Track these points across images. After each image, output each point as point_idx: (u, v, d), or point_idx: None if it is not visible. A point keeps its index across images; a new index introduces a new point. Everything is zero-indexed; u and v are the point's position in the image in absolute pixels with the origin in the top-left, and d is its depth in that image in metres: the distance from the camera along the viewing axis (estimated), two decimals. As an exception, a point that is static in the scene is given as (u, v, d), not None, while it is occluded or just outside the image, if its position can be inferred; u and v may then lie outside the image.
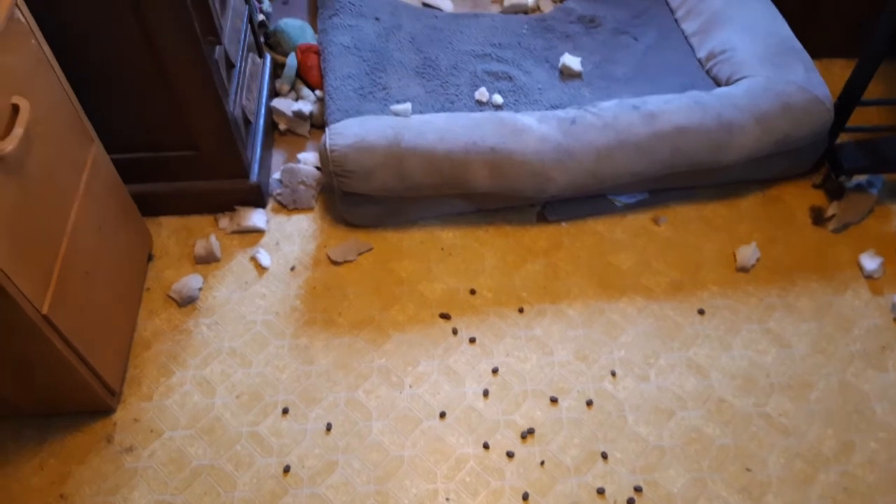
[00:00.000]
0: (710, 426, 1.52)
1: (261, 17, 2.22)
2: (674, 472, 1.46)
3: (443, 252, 1.81)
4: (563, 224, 1.87)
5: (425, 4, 2.33)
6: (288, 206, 1.89)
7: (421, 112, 1.86)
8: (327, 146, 1.72)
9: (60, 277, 1.30)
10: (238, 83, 1.77)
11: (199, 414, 1.53)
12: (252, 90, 1.88)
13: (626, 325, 1.67)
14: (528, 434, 1.50)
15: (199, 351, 1.62)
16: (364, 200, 1.79)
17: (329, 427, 1.51)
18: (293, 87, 2.12)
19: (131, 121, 1.65)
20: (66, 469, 1.45)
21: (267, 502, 1.42)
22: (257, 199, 1.85)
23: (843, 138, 1.94)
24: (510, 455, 1.48)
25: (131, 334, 1.63)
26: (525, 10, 2.34)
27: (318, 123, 2.07)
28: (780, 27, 1.99)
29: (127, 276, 1.62)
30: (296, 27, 2.18)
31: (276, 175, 1.93)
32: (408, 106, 1.82)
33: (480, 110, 1.91)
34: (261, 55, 2.05)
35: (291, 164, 1.92)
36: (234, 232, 1.83)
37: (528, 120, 1.79)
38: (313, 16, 2.33)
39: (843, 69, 2.20)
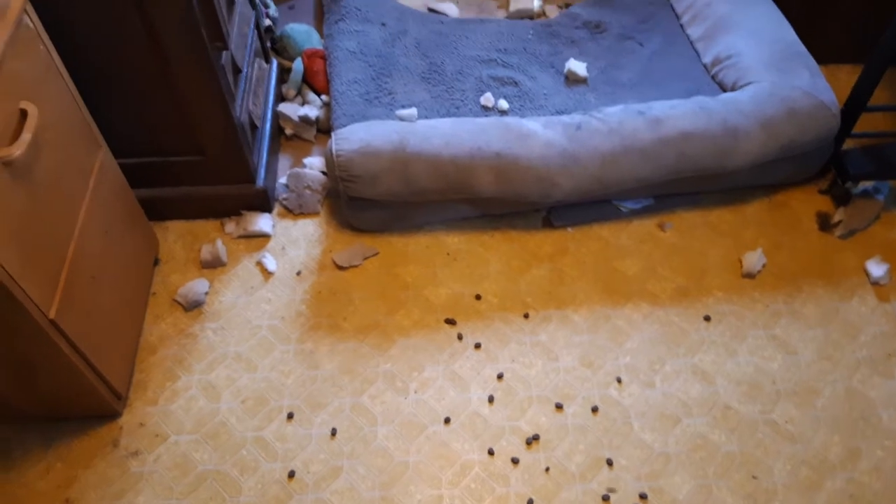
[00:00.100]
0: (715, 433, 1.52)
1: (267, 22, 2.22)
2: (679, 479, 1.46)
3: (448, 257, 1.81)
4: (569, 229, 1.87)
5: (431, 10, 2.33)
6: (294, 211, 1.89)
7: (426, 117, 1.87)
8: (333, 151, 1.72)
9: (67, 282, 1.31)
10: (244, 88, 1.77)
11: (204, 419, 1.53)
12: (258, 95, 1.88)
13: (631, 332, 1.67)
14: (533, 440, 1.50)
15: (205, 355, 1.62)
16: (370, 205, 1.79)
17: (334, 432, 1.51)
18: (299, 92, 2.13)
19: (138, 126, 1.65)
20: (72, 473, 1.46)
21: (272, 507, 1.42)
22: (263, 203, 1.85)
23: (849, 144, 1.94)
24: (515, 461, 1.47)
25: (137, 339, 1.63)
26: (531, 16, 2.35)
27: (324, 128, 2.08)
28: (786, 32, 1.99)
29: (133, 280, 1.62)
30: (302, 32, 2.18)
31: (283, 180, 1.94)
32: (413, 111, 1.83)
33: (486, 115, 1.91)
34: (267, 60, 2.06)
35: (297, 169, 1.92)
36: (240, 236, 1.83)
37: (534, 125, 1.79)
38: (319, 21, 2.34)
39: (849, 75, 2.20)
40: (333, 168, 1.73)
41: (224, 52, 1.61)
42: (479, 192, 1.77)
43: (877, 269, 1.77)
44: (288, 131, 2.06)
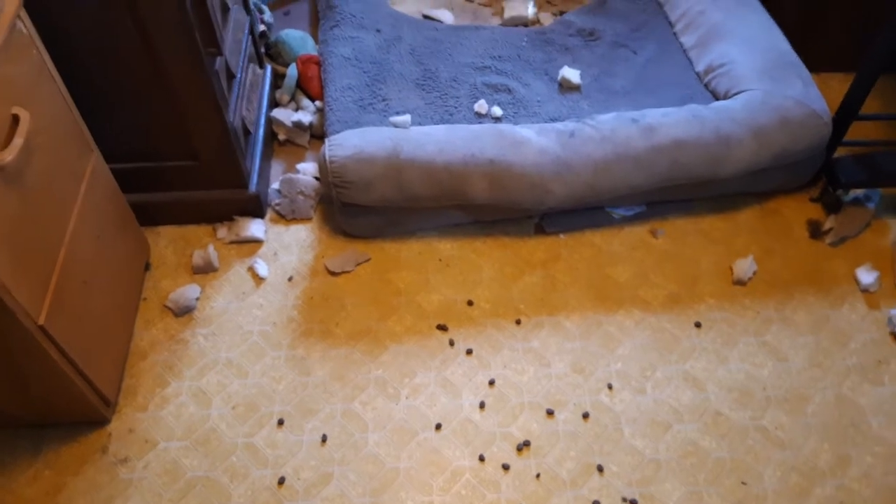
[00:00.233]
0: (706, 439, 1.52)
1: (262, 27, 2.23)
2: (670, 485, 1.46)
3: (441, 263, 1.81)
4: (561, 236, 1.87)
5: (426, 17, 2.34)
6: (286, 217, 1.89)
7: (420, 124, 1.87)
8: (327, 157, 1.73)
9: (58, 287, 1.30)
10: (238, 93, 1.77)
11: (194, 425, 1.53)
12: (252, 100, 1.89)
13: (623, 338, 1.68)
14: (524, 446, 1.50)
15: (196, 361, 1.62)
16: (363, 211, 1.79)
17: (325, 438, 1.51)
18: (293, 98, 2.13)
19: (131, 130, 1.65)
20: (60, 480, 1.45)
21: (262, 514, 1.41)
22: (256, 209, 1.85)
23: (840, 152, 1.95)
24: (506, 468, 1.47)
25: (128, 344, 1.63)
26: (525, 23, 2.36)
27: (317, 134, 2.08)
28: (779, 41, 2.00)
29: (124, 285, 1.62)
30: (297, 38, 2.19)
31: (275, 185, 1.94)
32: (407, 118, 1.83)
33: (480, 122, 1.91)
34: (261, 65, 2.06)
35: (290, 175, 1.92)
36: (232, 242, 1.83)
37: (527, 132, 1.80)
38: (314, 27, 2.34)
39: (841, 83, 2.21)
40: (327, 174, 1.73)
41: (218, 58, 1.61)
42: (473, 199, 1.77)
43: (867, 276, 1.77)
44: (281, 137, 2.06)
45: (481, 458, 1.48)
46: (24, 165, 1.22)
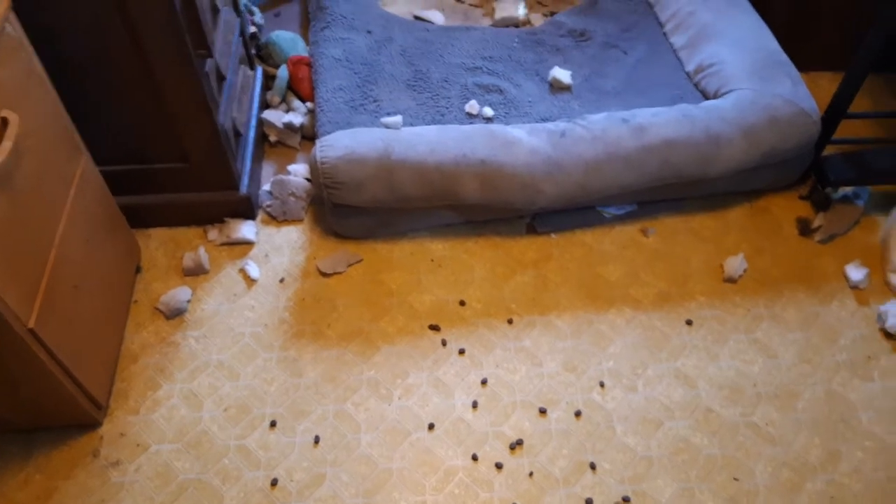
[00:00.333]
0: (697, 436, 1.53)
1: (252, 29, 2.23)
2: (662, 482, 1.46)
3: (432, 263, 1.81)
4: (553, 236, 1.88)
5: (417, 17, 2.34)
6: (278, 218, 1.89)
7: (412, 124, 1.87)
8: (318, 158, 1.73)
9: (47, 290, 1.30)
10: (229, 95, 1.77)
11: (186, 427, 1.52)
12: (243, 102, 1.88)
13: (614, 336, 1.68)
14: (516, 445, 1.50)
15: (187, 364, 1.62)
16: (354, 212, 1.79)
17: (317, 440, 1.51)
18: (284, 99, 2.13)
19: (121, 133, 1.65)
20: (51, 484, 1.44)
21: (255, 515, 1.41)
22: (247, 210, 1.85)
23: (829, 150, 1.96)
24: (499, 466, 1.48)
25: (118, 347, 1.62)
26: (516, 24, 2.36)
27: (308, 135, 2.08)
28: (768, 41, 2.02)
29: (115, 288, 1.62)
30: (287, 39, 2.19)
31: (266, 187, 1.94)
32: (399, 118, 1.83)
33: (471, 123, 1.92)
34: (252, 67, 2.06)
35: (281, 176, 1.92)
36: (223, 244, 1.83)
37: (519, 132, 1.80)
38: (305, 28, 2.34)
39: (830, 82, 2.23)
40: (318, 175, 1.73)
41: (208, 60, 1.61)
42: (464, 199, 1.77)
43: (856, 273, 1.79)
44: (272, 138, 2.06)
45: (474, 458, 1.49)
46: (13, 168, 1.22)
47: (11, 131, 1.18)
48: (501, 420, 1.54)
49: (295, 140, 2.06)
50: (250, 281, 1.76)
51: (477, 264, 1.81)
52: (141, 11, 1.41)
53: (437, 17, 2.35)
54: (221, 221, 1.86)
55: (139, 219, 1.81)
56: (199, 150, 1.70)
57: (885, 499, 1.45)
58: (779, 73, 1.91)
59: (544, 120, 1.94)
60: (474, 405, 1.56)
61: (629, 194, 1.87)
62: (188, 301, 1.71)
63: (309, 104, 2.10)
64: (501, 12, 2.36)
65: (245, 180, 1.83)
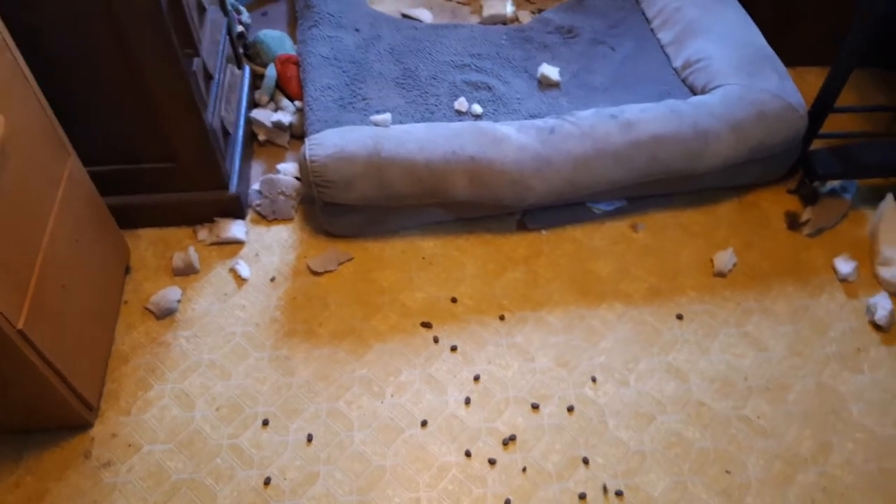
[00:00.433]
0: (689, 430, 1.53)
1: (240, 28, 2.22)
2: (654, 476, 1.47)
3: (424, 261, 1.81)
4: (543, 232, 1.88)
5: (405, 16, 2.34)
6: (267, 217, 1.88)
7: (401, 122, 1.87)
8: (307, 156, 1.72)
9: (36, 291, 1.29)
10: (217, 94, 1.76)
11: (178, 427, 1.51)
12: (231, 101, 1.88)
13: (605, 331, 1.69)
14: (509, 441, 1.50)
15: (178, 364, 1.61)
16: (344, 210, 1.79)
17: (310, 438, 1.50)
18: (272, 98, 2.12)
19: (108, 133, 1.64)
20: (43, 486, 1.43)
21: (248, 515, 1.41)
22: (236, 210, 1.84)
23: (816, 144, 1.97)
24: (492, 462, 1.48)
25: (109, 348, 1.61)
26: (504, 21, 2.37)
27: (297, 134, 2.07)
28: (754, 36, 2.03)
29: (104, 289, 1.61)
30: (275, 38, 2.18)
31: (256, 186, 1.93)
32: (388, 116, 1.83)
33: (460, 120, 1.92)
34: (240, 66, 2.05)
35: (271, 175, 1.92)
36: (213, 243, 1.82)
37: (508, 129, 1.80)
38: (292, 27, 2.34)
39: (817, 77, 2.24)
40: (307, 173, 1.73)
41: (195, 59, 1.60)
42: (454, 196, 1.77)
43: (845, 266, 1.80)
44: (261, 137, 2.05)
45: (467, 454, 1.49)
46: (-1, 168, 1.21)
47: (-3, 131, 1.17)
48: (494, 416, 1.55)
49: (284, 139, 2.06)
50: (241, 280, 1.76)
51: (468, 261, 1.81)
52: (127, 10, 1.40)
53: (424, 15, 2.35)
54: (211, 221, 1.85)
55: (128, 219, 1.80)
56: (187, 150, 1.69)
57: (876, 490, 1.46)
58: (766, 68, 1.93)
59: (533, 116, 1.94)
60: (467, 401, 1.56)
61: (618, 190, 1.87)
62: (178, 301, 1.70)
63: (297, 103, 2.10)
64: (489, 10, 2.36)
65: (234, 179, 1.82)
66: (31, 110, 1.34)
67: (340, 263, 1.79)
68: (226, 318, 1.69)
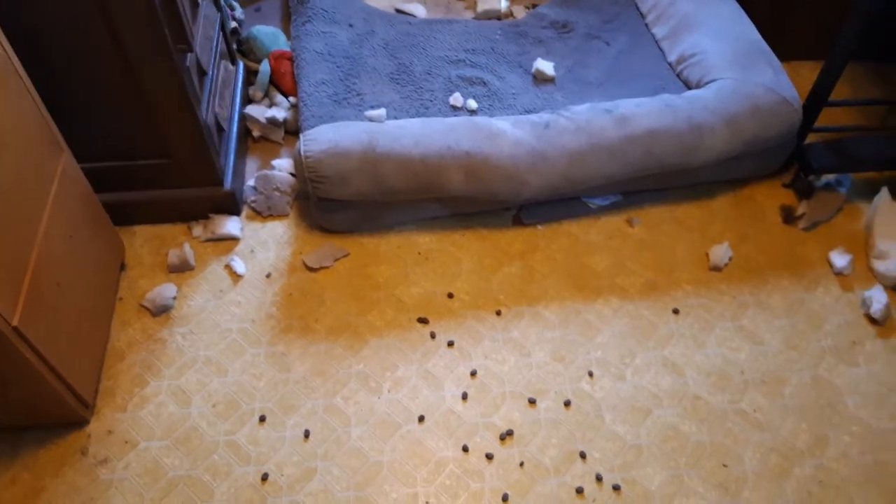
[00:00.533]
0: (686, 423, 1.54)
1: (233, 24, 2.21)
2: (651, 469, 1.47)
3: (420, 257, 1.81)
4: (539, 227, 1.88)
5: (399, 11, 2.34)
6: (262, 213, 1.88)
7: (396, 117, 1.87)
8: (302, 152, 1.72)
9: (31, 288, 1.28)
10: (210, 90, 1.76)
11: (174, 424, 1.51)
12: (225, 97, 1.87)
13: (602, 326, 1.69)
14: (506, 436, 1.50)
15: (174, 360, 1.60)
16: (339, 206, 1.78)
17: (307, 434, 1.50)
18: (267, 94, 2.11)
19: (102, 129, 1.63)
20: (39, 483, 1.43)
21: (245, 511, 1.41)
22: (231, 206, 1.83)
23: (811, 138, 1.98)
24: (489, 457, 1.48)
25: (104, 345, 1.61)
26: (498, 16, 2.36)
27: (292, 130, 2.07)
28: (749, 30, 2.03)
29: (99, 286, 1.60)
30: (268, 34, 2.17)
31: (251, 182, 1.92)
32: (382, 111, 1.82)
33: (455, 115, 1.92)
34: (233, 62, 2.04)
35: (266, 171, 1.91)
36: (208, 240, 1.81)
37: (503, 124, 1.80)
38: (286, 23, 2.33)
39: (811, 71, 2.24)
40: (302, 169, 1.72)
41: (189, 55, 1.59)
42: (450, 192, 1.77)
43: (840, 259, 1.80)
44: (255, 133, 2.04)
45: (465, 449, 1.49)
46: (-8, 164, 1.20)
47: (-10, 127, 1.16)
48: (491, 411, 1.55)
49: (278, 135, 2.05)
50: (236, 277, 1.75)
51: (464, 257, 1.81)
52: (121, 5, 1.40)
53: (418, 10, 2.34)
54: (206, 217, 1.84)
55: (123, 216, 1.79)
56: (181, 146, 1.68)
57: (872, 482, 1.47)
58: (760, 63, 1.93)
59: (528, 112, 1.94)
60: (464, 397, 1.56)
61: (614, 185, 1.87)
62: (174, 298, 1.70)
63: (292, 99, 2.09)
64: (483, 5, 2.35)
65: (229, 176, 1.82)
66: (22, 107, 1.33)
67: (336, 259, 1.79)
68: (221, 314, 1.68)
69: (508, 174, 1.75)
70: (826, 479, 1.47)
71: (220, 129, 1.81)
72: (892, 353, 1.66)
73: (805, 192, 1.94)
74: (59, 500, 1.41)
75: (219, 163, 1.77)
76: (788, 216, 1.92)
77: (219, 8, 1.90)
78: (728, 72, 1.91)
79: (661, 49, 2.14)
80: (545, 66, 2.05)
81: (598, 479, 1.45)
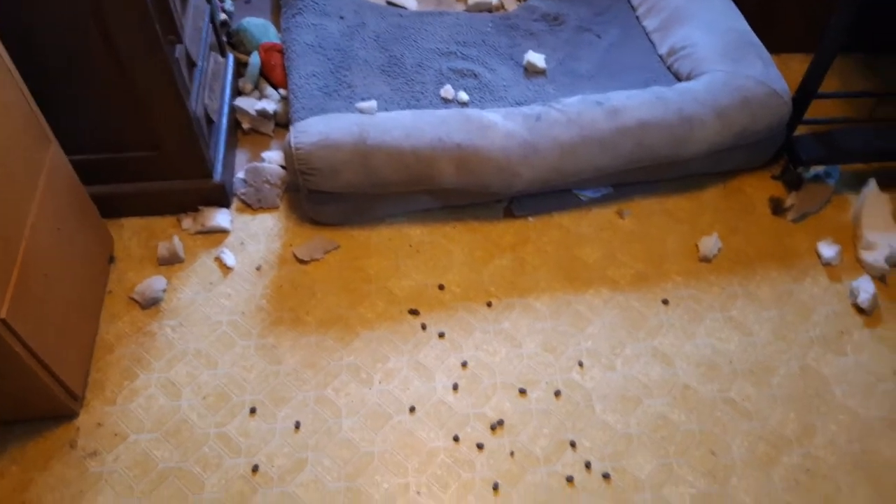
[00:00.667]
0: (675, 413, 1.54)
1: (223, 16, 2.20)
2: (641, 458, 1.48)
3: (411, 249, 1.81)
4: (530, 219, 1.88)
5: (389, 3, 2.33)
6: (252, 206, 1.87)
7: (386, 110, 1.86)
8: (292, 144, 1.71)
9: (19, 281, 1.27)
10: (200, 82, 1.75)
11: (164, 416, 1.51)
12: (215, 89, 1.86)
13: (592, 317, 1.69)
14: (497, 426, 1.51)
15: (164, 353, 1.60)
16: (330, 198, 1.78)
17: (298, 425, 1.50)
18: (257, 87, 2.10)
19: (91, 121, 1.62)
20: (27, 476, 1.42)
21: (236, 503, 1.40)
22: (221, 198, 1.83)
23: (800, 130, 1.99)
24: (480, 447, 1.48)
25: (94, 338, 1.60)
26: (489, 9, 2.36)
27: (282, 122, 2.06)
28: (739, 23, 2.04)
29: (88, 278, 1.59)
30: (258, 26, 2.16)
31: (240, 174, 1.92)
32: (373, 103, 1.82)
33: (446, 107, 1.91)
34: (223, 54, 2.03)
35: (256, 163, 1.90)
36: (197, 232, 1.81)
37: (494, 116, 1.80)
38: (276, 14, 2.32)
39: (801, 64, 2.25)
40: (293, 161, 1.72)
41: (178, 46, 1.58)
42: (441, 184, 1.77)
43: (828, 250, 1.82)
44: (245, 126, 2.03)
45: (456, 439, 1.49)
46: (-22, 155, 1.19)
47: (-24, 117, 1.15)
48: (482, 401, 1.55)
49: (268, 127, 2.04)
50: (226, 269, 1.75)
51: (455, 249, 1.81)
52: (109, -4, 1.39)
53: (409, 2, 2.34)
54: (195, 210, 1.83)
55: (111, 208, 1.78)
56: (170, 138, 1.67)
57: (859, 470, 1.48)
58: (750, 55, 1.93)
59: (519, 104, 1.94)
60: (455, 387, 1.57)
61: (604, 177, 1.88)
62: (163, 290, 1.69)
63: (282, 91, 2.08)
64: (475, -3, 2.35)
65: (218, 168, 1.81)
66: (10, 97, 1.32)
67: (327, 252, 1.79)
68: (211, 307, 1.68)
69: (500, 166, 1.75)
70: (813, 468, 1.48)
71: (209, 121, 1.80)
72: (879, 342, 1.67)
73: (794, 183, 1.96)
74: (48, 494, 1.40)
75: (208, 155, 1.76)
76: (777, 208, 1.93)
77: (208, 0, 1.89)
78: (718, 64, 1.92)
79: (651, 41, 2.14)
80: (536, 58, 2.05)
81: (588, 467, 1.46)
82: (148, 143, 1.68)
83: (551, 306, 1.71)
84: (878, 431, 1.53)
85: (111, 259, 1.74)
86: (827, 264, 1.81)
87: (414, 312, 1.68)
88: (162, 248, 1.74)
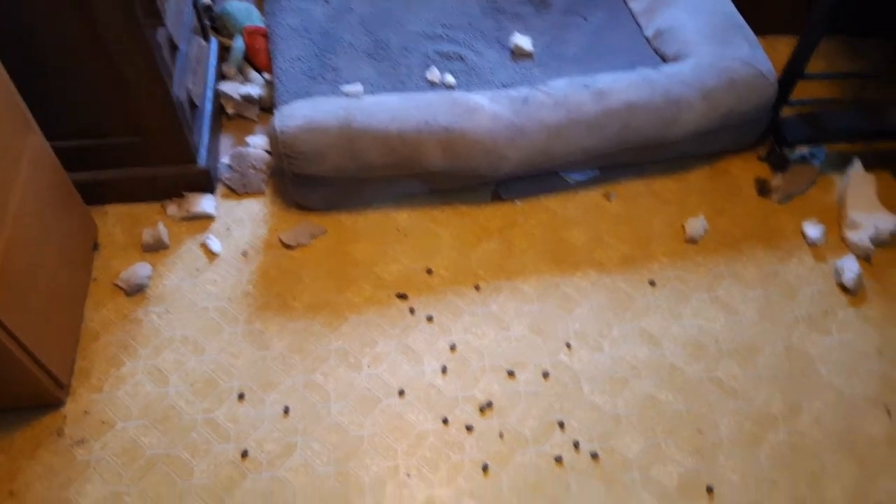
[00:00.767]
0: (663, 393, 1.56)
1: (206, 0, 2.17)
2: (629, 438, 1.49)
3: (398, 233, 1.80)
4: (517, 202, 1.88)
5: (374, -14, 2.30)
6: (238, 191, 1.86)
7: (372, 93, 1.85)
8: (277, 128, 1.70)
9: (2, 270, 1.26)
10: (183, 66, 1.73)
11: (152, 403, 1.50)
12: (198, 74, 1.84)
13: (580, 299, 1.70)
14: (486, 408, 1.51)
15: (150, 340, 1.59)
16: (316, 183, 1.77)
17: (287, 410, 1.50)
18: (241, 71, 2.08)
19: (72, 106, 1.60)
20: (14, 465, 1.41)
21: (225, 488, 1.40)
22: (206, 184, 1.81)
23: (786, 112, 1.99)
24: (469, 429, 1.49)
25: (79, 325, 1.59)
26: (474, -9, 2.34)
27: (267, 107, 2.04)
28: (725, 5, 2.03)
29: (72, 266, 1.58)
30: (241, 10, 2.14)
31: (225, 160, 1.90)
32: (359, 87, 1.81)
33: (433, 91, 1.90)
34: (206, 39, 2.01)
35: (240, 148, 1.89)
36: (182, 218, 1.79)
37: (481, 99, 1.79)
38: (260, -1, 2.29)
39: (787, 46, 2.24)
40: (277, 145, 1.70)
41: (160, 29, 1.56)
42: (428, 167, 1.76)
43: (813, 230, 1.83)
44: (230, 110, 2.01)
45: (445, 421, 1.49)
46: (-44, 140, 1.17)
47: (-47, 101, 1.13)
48: (471, 384, 1.55)
49: (253, 112, 2.02)
50: (212, 255, 1.74)
51: (443, 232, 1.81)
52: (87, -22, 1.36)
53: (395, -14, 2.31)
54: (180, 196, 1.82)
55: (95, 195, 1.76)
56: (153, 123, 1.65)
57: (845, 447, 1.50)
58: (736, 37, 1.93)
59: (506, 87, 1.93)
60: (444, 370, 1.57)
61: (592, 159, 1.87)
62: (149, 277, 1.68)
63: (266, 75, 2.06)
64: (461, -20, 2.33)
65: (203, 153, 1.79)
66: (-12, 81, 1.30)
67: (314, 237, 1.78)
68: (197, 293, 1.67)
69: (487, 149, 1.75)
70: (799, 444, 1.50)
71: (193, 105, 1.78)
72: (863, 321, 1.69)
73: (779, 165, 1.96)
74: (36, 482, 1.39)
75: (192, 140, 1.74)
76: (763, 189, 1.94)
77: (190, -18, 1.86)
78: (705, 46, 1.92)
79: (638, 24, 2.14)
80: (523, 40, 2.04)
81: (577, 447, 1.47)
82: (131, 128, 1.66)
83: (539, 289, 1.71)
84: (862, 410, 1.55)
85: (95, 246, 1.73)
86: (812, 244, 1.82)
87: (402, 296, 1.68)
88: (146, 235, 1.73)
